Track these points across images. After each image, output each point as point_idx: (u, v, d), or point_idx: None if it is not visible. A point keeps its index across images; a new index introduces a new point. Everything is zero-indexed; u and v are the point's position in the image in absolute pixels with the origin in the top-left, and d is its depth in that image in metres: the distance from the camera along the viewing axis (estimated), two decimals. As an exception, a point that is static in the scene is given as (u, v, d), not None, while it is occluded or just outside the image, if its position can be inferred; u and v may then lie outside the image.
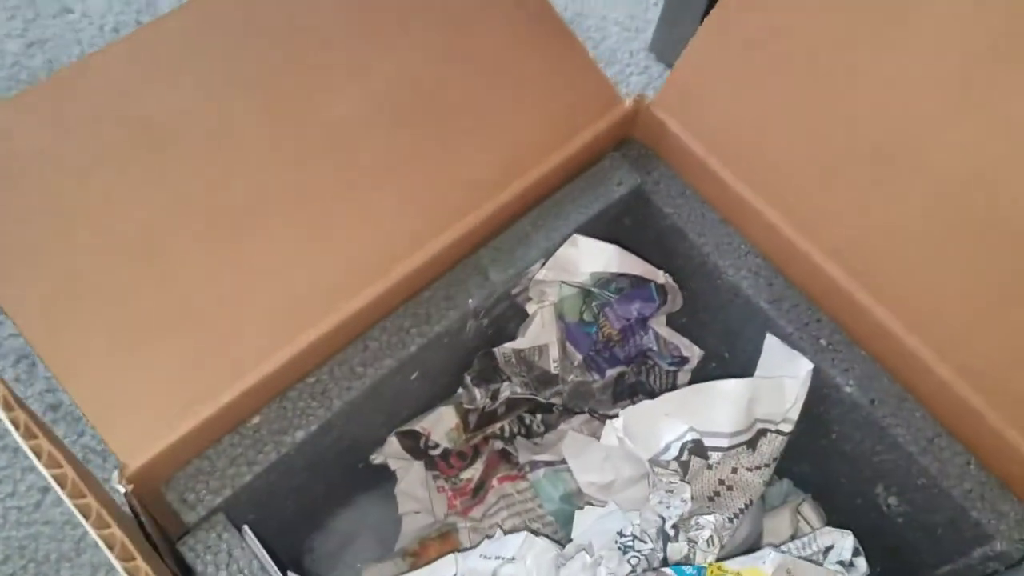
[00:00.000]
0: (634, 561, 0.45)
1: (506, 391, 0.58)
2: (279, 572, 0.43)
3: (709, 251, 0.54)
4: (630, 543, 0.46)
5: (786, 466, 0.56)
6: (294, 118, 0.47)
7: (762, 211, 0.52)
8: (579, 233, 0.53)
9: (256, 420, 0.46)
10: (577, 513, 0.51)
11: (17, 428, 0.30)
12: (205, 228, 0.46)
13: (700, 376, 0.60)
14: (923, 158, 0.46)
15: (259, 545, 0.44)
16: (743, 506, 0.52)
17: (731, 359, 0.58)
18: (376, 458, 0.56)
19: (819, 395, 0.51)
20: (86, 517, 0.29)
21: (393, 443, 0.56)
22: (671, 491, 0.49)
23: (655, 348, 0.61)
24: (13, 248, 0.42)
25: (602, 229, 0.54)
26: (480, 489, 0.58)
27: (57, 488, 0.30)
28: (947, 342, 0.48)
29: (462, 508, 0.57)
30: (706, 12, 0.92)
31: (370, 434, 0.54)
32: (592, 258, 0.53)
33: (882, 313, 0.50)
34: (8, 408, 0.30)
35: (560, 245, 0.53)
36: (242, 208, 0.47)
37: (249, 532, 0.44)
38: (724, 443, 0.50)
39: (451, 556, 0.48)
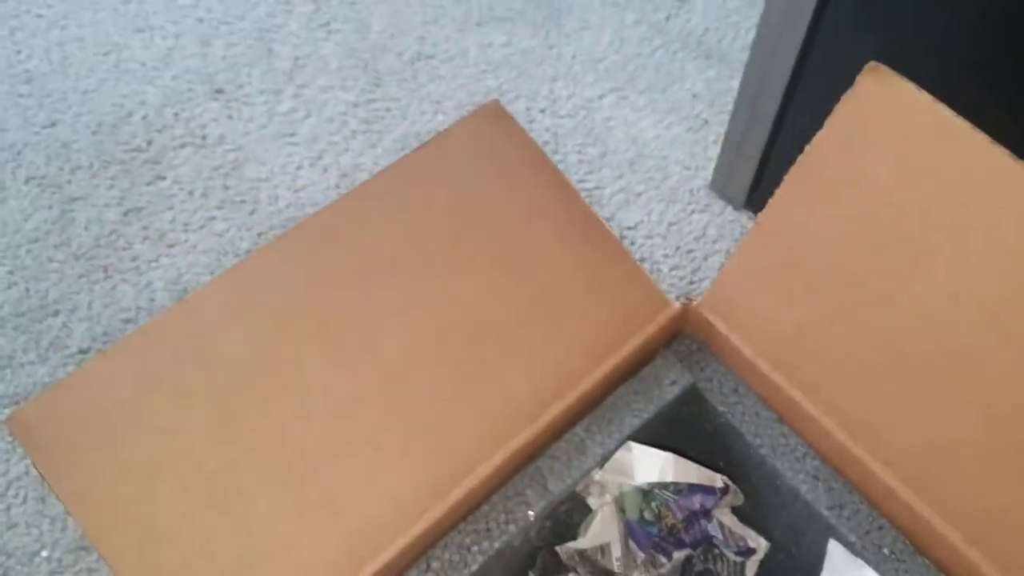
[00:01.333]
0: None
1: (573, 583, 0.58)
2: None
3: (766, 452, 0.54)
4: None
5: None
6: (352, 357, 0.51)
7: (815, 416, 0.52)
8: (633, 439, 0.54)
9: (326, 651, 0.48)
10: None
11: None
12: (273, 470, 0.49)
13: (769, 567, 0.59)
14: (968, 371, 0.46)
15: None
16: None
17: (798, 555, 0.58)
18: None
19: (886, 606, 0.50)
20: None
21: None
22: None
23: (720, 537, 0.60)
24: (107, 500, 0.46)
25: (659, 429, 0.55)
26: None
27: None
28: (1008, 556, 0.47)
29: None
30: (765, 151, 0.94)
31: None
32: (647, 466, 0.54)
33: (940, 524, 0.49)
34: None
35: (615, 451, 0.54)
36: (308, 447, 0.50)
37: None
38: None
39: None
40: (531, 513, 0.52)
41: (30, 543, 0.78)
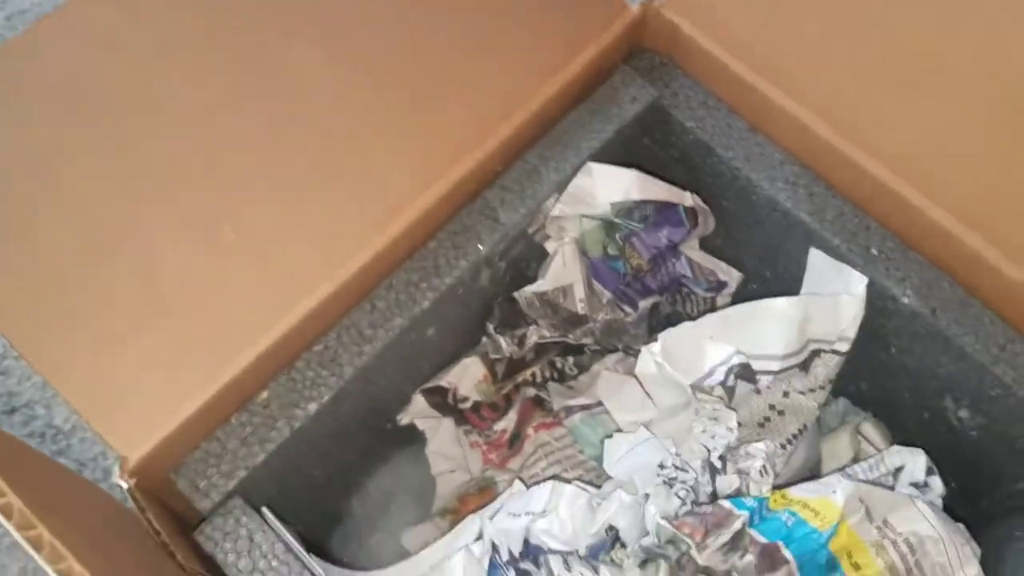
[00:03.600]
0: (682, 494, 0.42)
1: (533, 336, 0.54)
2: (304, 553, 0.40)
3: (739, 164, 0.49)
4: (673, 475, 0.43)
5: (842, 384, 0.52)
6: (268, 87, 0.43)
7: (795, 114, 0.46)
8: (593, 161, 0.48)
9: (264, 395, 0.43)
10: (607, 442, 0.47)
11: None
12: (181, 207, 0.43)
13: (741, 300, 0.55)
14: (970, 46, 0.41)
15: (281, 527, 0.41)
16: (796, 431, 0.48)
17: (773, 279, 0.54)
18: (403, 419, 0.53)
19: (874, 308, 0.46)
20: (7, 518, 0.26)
21: (419, 401, 0.53)
22: (715, 419, 0.45)
23: (689, 274, 0.56)
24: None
25: (618, 154, 0.50)
26: (516, 440, 0.55)
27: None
28: (1014, 238, 0.43)
29: (499, 460, 0.54)
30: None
31: (392, 394, 0.51)
32: (610, 187, 0.48)
33: (938, 213, 0.44)
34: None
35: (573, 177, 0.48)
36: (223, 182, 0.43)
37: (269, 514, 0.41)
38: (775, 366, 0.46)
39: (474, 516, 0.45)
40: (480, 247, 0.47)
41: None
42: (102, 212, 0.42)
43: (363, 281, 0.45)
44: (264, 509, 0.42)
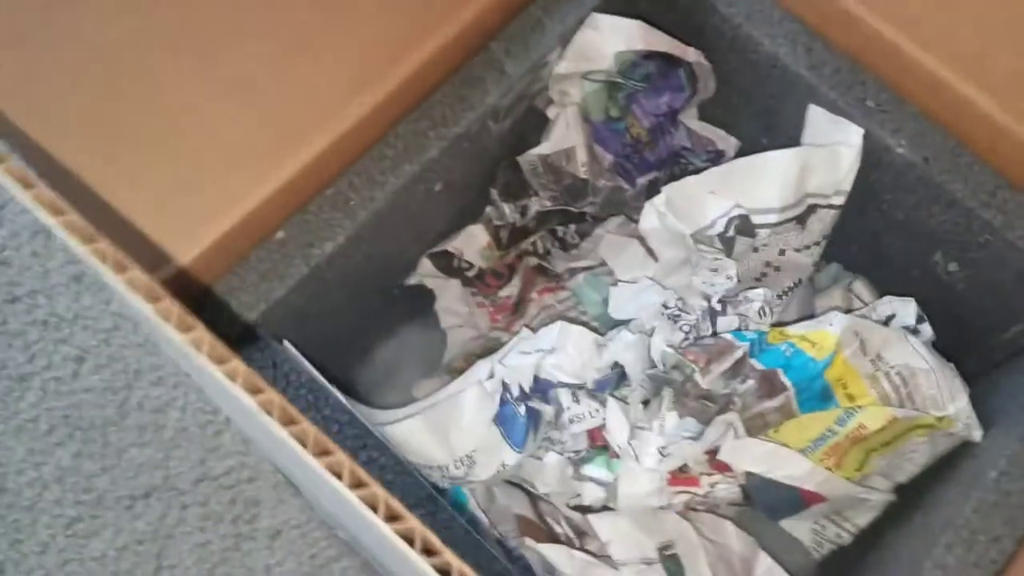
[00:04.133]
0: (686, 328, 0.43)
1: (535, 205, 0.55)
2: (325, 381, 0.42)
3: (740, 22, 0.49)
4: (676, 314, 0.45)
5: (834, 250, 0.54)
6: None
7: (795, -33, 0.47)
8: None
9: (281, 235, 0.44)
10: (611, 289, 0.49)
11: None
12: (186, 45, 0.43)
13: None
14: None
15: (301, 357, 0.42)
16: (792, 284, 0.50)
17: (770, 144, 0.55)
18: (411, 279, 0.54)
19: (869, 160, 0.48)
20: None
21: (426, 264, 0.54)
22: (715, 269, 0.46)
23: (688, 145, 0.57)
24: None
25: (621, 13, 0.50)
26: (520, 305, 0.56)
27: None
28: (1005, 85, 0.45)
29: (505, 324, 0.56)
30: None
31: (401, 254, 0.52)
32: (614, 37, 0.49)
33: (932, 63, 0.46)
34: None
35: (576, 29, 0.49)
36: (217, 25, 0.44)
37: (290, 345, 0.43)
38: (773, 219, 0.47)
39: (485, 360, 0.47)
40: (489, 100, 0.48)
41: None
42: (115, 53, 0.42)
43: (372, 127, 0.45)
44: (285, 342, 0.43)
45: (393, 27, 0.45)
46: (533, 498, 0.51)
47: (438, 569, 0.23)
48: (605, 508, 0.50)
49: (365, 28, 0.45)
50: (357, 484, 0.23)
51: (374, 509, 0.23)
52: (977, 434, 0.46)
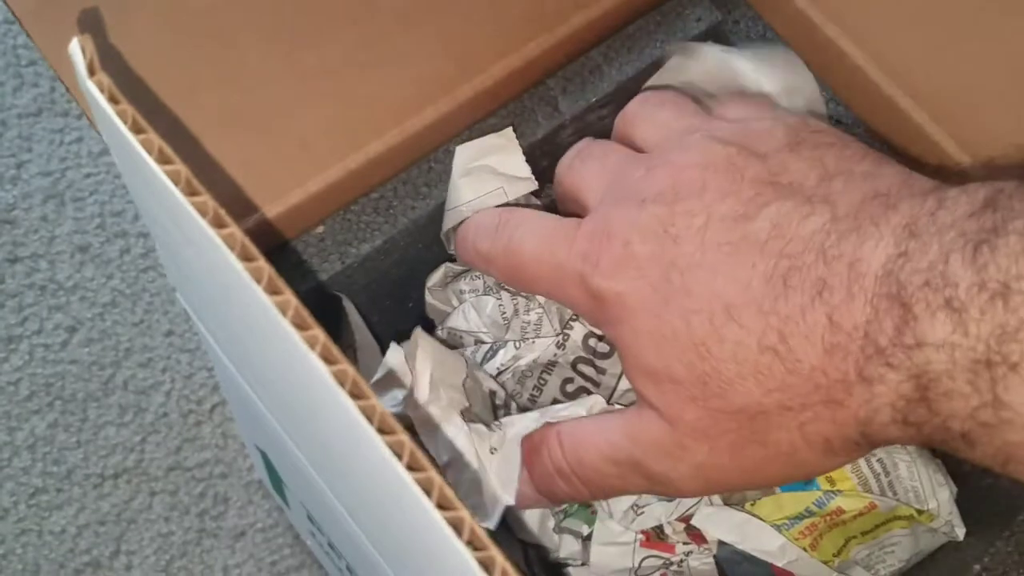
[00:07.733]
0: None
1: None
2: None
3: (786, 97, 0.51)
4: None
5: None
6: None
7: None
8: (651, 67, 0.51)
9: (321, 229, 0.44)
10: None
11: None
12: (270, 26, 0.44)
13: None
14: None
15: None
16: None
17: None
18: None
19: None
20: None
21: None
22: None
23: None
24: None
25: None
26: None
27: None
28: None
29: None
30: None
31: (428, 265, 0.52)
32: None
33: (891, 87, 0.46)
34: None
35: (632, 79, 0.51)
36: (307, 15, 0.45)
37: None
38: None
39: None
40: (539, 133, 0.49)
41: None
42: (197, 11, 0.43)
43: (424, 142, 0.46)
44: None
45: (464, 50, 0.46)
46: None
47: (481, 562, 0.23)
48: (584, 564, 0.50)
49: (440, 42, 0.46)
50: (413, 467, 0.23)
51: (428, 494, 0.23)
52: (960, 532, 0.47)
